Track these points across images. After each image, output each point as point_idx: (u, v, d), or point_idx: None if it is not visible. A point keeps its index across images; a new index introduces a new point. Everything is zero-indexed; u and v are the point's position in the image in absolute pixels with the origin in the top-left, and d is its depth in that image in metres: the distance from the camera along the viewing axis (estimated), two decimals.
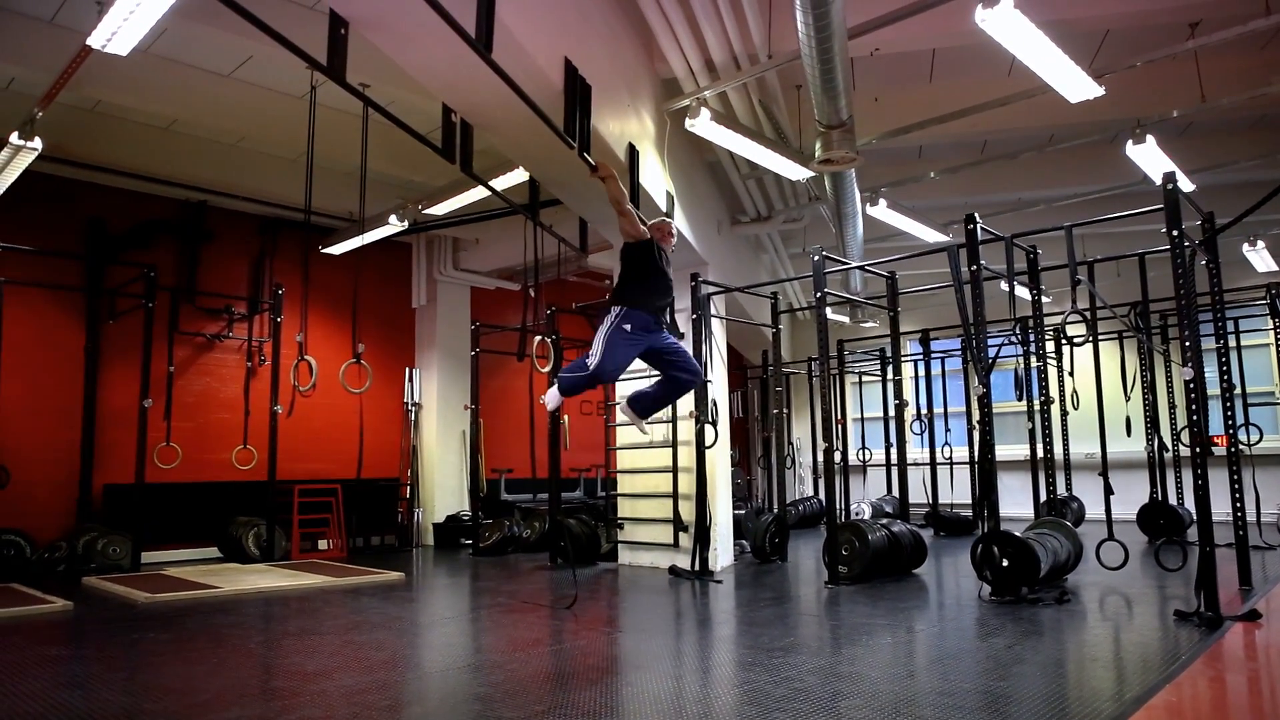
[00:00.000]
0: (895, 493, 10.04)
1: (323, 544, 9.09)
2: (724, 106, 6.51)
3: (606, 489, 9.20)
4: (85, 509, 8.15)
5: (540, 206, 5.94)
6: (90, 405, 8.32)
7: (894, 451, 10.14)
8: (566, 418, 8.27)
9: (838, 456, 6.74)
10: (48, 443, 8.04)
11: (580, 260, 8.41)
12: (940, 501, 10.63)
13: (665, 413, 7.53)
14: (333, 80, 3.43)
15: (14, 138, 6.40)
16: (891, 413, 9.75)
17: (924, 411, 11.04)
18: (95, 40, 5.01)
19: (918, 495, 10.17)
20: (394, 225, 7.76)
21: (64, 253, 8.21)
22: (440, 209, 7.67)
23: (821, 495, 12.76)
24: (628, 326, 4.39)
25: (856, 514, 10.93)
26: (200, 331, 9.15)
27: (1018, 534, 5.50)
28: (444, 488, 10.55)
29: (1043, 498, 7.26)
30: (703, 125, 5.55)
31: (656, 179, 6.04)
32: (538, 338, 6.88)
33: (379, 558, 8.80)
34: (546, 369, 6.88)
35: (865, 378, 13.01)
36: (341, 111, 7.32)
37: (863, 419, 12.96)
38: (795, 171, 6.53)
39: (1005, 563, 5.31)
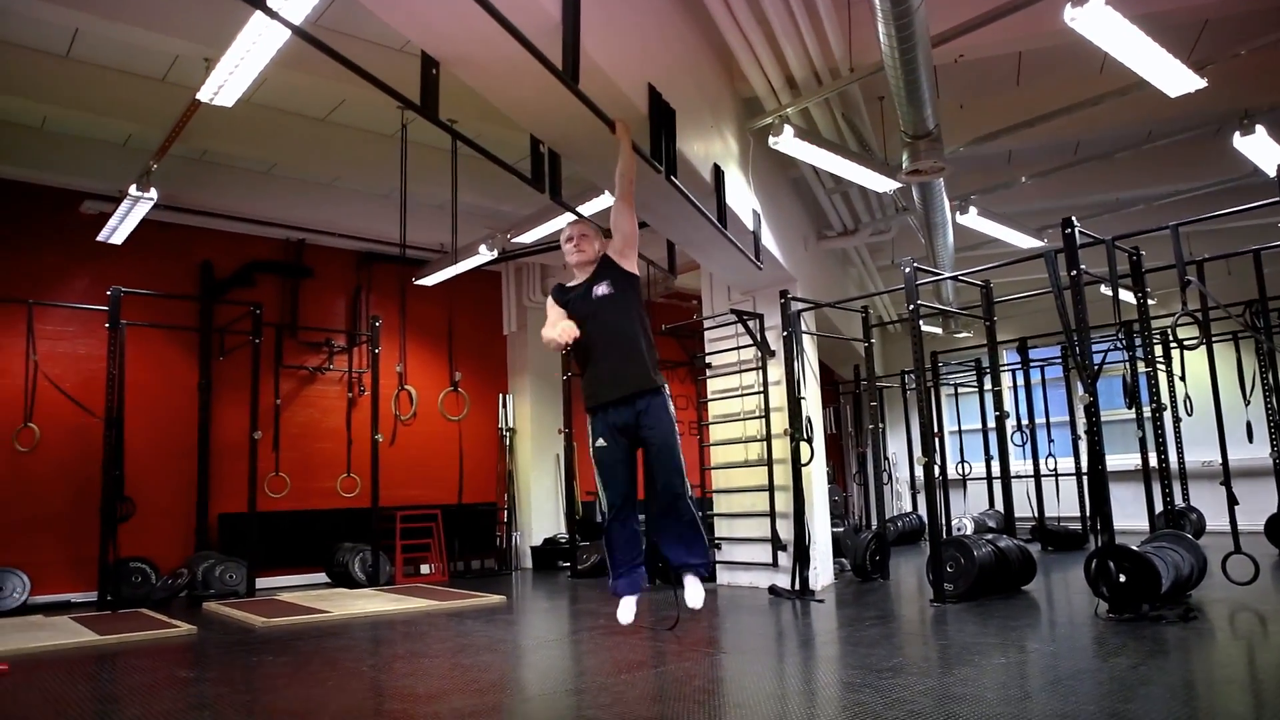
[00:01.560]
0: (998, 507, 9.72)
1: (425, 568, 9.30)
2: (806, 122, 6.48)
3: (701, 508, 9.18)
4: (203, 537, 8.55)
5: None
6: (205, 438, 8.73)
7: (995, 464, 9.84)
8: None
9: (937, 471, 6.58)
10: (168, 474, 8.46)
11: (668, 281, 8.46)
12: (1046, 515, 10.26)
13: (760, 429, 7.49)
14: (425, 118, 3.54)
15: (132, 189, 6.82)
16: (991, 424, 9.47)
17: (1024, 422, 10.68)
18: (204, 94, 5.31)
19: (1022, 509, 9.82)
20: (484, 255, 7.94)
21: (178, 295, 8.65)
22: (528, 237, 7.82)
23: (921, 511, 12.47)
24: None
25: (958, 529, 10.63)
26: (303, 365, 9.51)
27: (1134, 548, 5.27)
28: (540, 511, 10.68)
29: (1158, 509, 6.94)
30: (786, 142, 5.54)
31: (742, 198, 6.05)
32: None
33: (480, 581, 8.96)
34: None
35: (961, 389, 12.67)
36: (431, 147, 7.56)
37: (960, 431, 12.62)
38: (882, 184, 6.45)
39: (1122, 578, 5.09)
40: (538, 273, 10.97)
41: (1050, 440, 10.88)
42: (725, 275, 7.66)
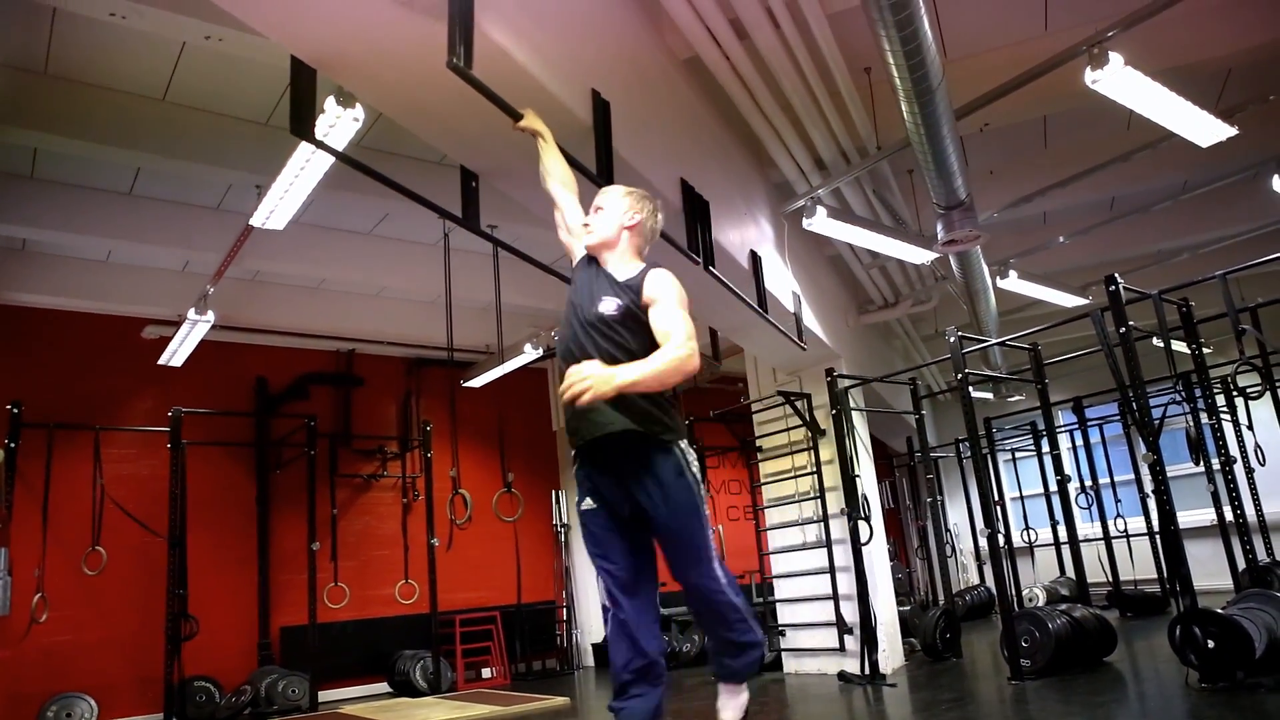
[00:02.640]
0: (1069, 573, 9.39)
1: (486, 672, 9.18)
2: (838, 201, 6.57)
3: (763, 594, 8.99)
4: (265, 651, 8.55)
5: None
6: (264, 551, 8.82)
7: (1061, 529, 9.55)
8: (721, 526, 8.20)
9: (1001, 540, 6.40)
10: (230, 589, 8.53)
11: (713, 367, 8.49)
12: (1122, 579, 9.87)
13: (815, 510, 7.38)
14: (467, 229, 3.68)
15: (191, 313, 7.09)
16: (1053, 488, 9.23)
17: (1088, 483, 10.38)
18: (256, 220, 5.56)
19: (1095, 574, 9.47)
20: (530, 354, 8.07)
21: (236, 412, 8.87)
22: None
23: (989, 583, 12.08)
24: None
25: (1030, 600, 10.27)
26: (357, 473, 9.62)
27: (1220, 610, 5.04)
28: (599, 607, 10.52)
29: (1240, 566, 6.65)
30: (819, 223, 5.61)
31: (781, 280, 6.11)
32: None
33: (542, 682, 8.81)
34: None
35: (1019, 453, 12.40)
36: (473, 252, 7.77)
37: (1021, 497, 12.29)
38: (918, 256, 6.48)
39: (1210, 644, 4.86)
40: None
41: (1117, 500, 10.54)
42: (769, 357, 7.67)
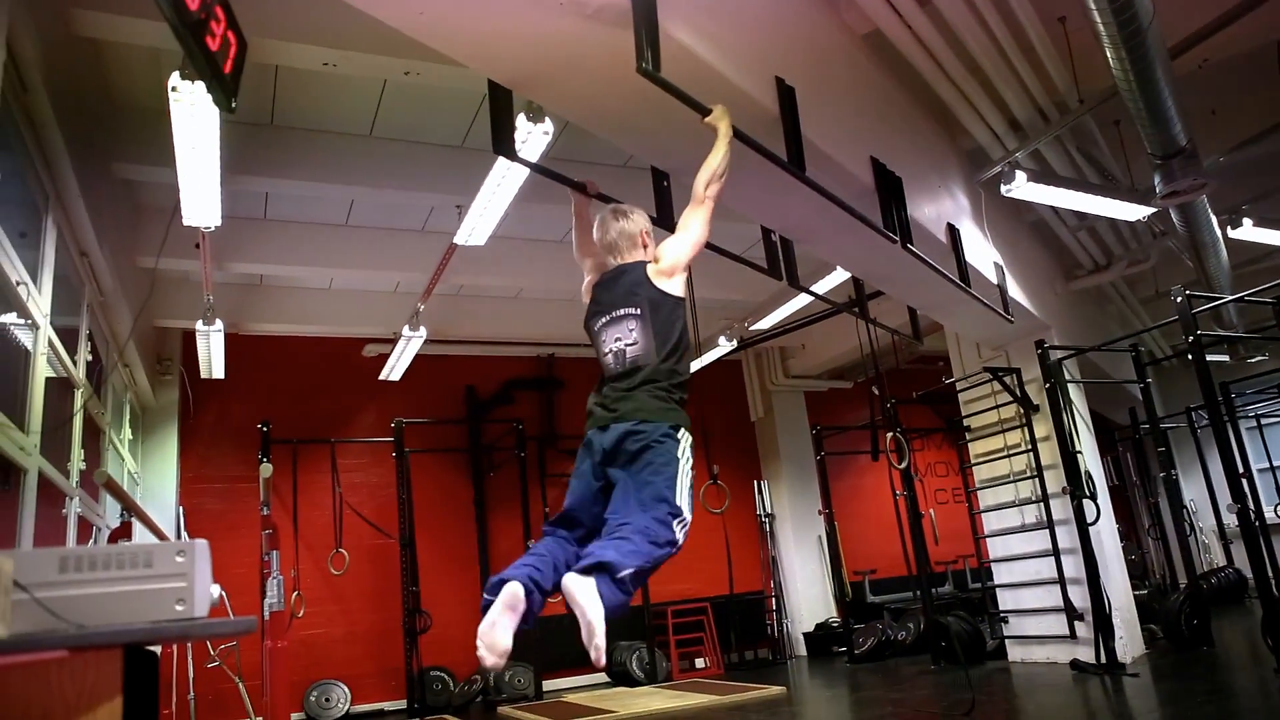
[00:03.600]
0: None
1: (700, 662, 9.32)
2: (1038, 163, 6.18)
3: (979, 580, 8.62)
4: None
5: (867, 299, 5.94)
6: (483, 550, 9.35)
7: None
8: (933, 510, 7.95)
9: (1253, 516, 5.80)
10: (456, 587, 9.10)
11: (914, 348, 8.22)
12: None
13: (1034, 490, 7.00)
14: (662, 229, 3.74)
15: (405, 330, 7.62)
16: None
17: None
18: (459, 238, 5.91)
19: None
20: (724, 345, 8.11)
21: (450, 420, 9.45)
22: (765, 322, 7.91)
23: (1238, 564, 11.01)
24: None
25: None
26: (563, 473, 9.94)
27: None
28: (808, 595, 10.44)
29: None
30: (1020, 188, 5.30)
31: (982, 252, 5.83)
32: (889, 433, 6.77)
33: (755, 672, 8.84)
34: (901, 464, 6.70)
35: (1265, 420, 11.21)
36: None
37: (1272, 467, 11.09)
38: (1133, 212, 5.99)
39: None
40: (777, 355, 11.02)
41: None
42: (973, 333, 7.34)
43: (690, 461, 2.63)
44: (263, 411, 8.31)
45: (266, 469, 3.78)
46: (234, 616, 1.55)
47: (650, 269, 2.79)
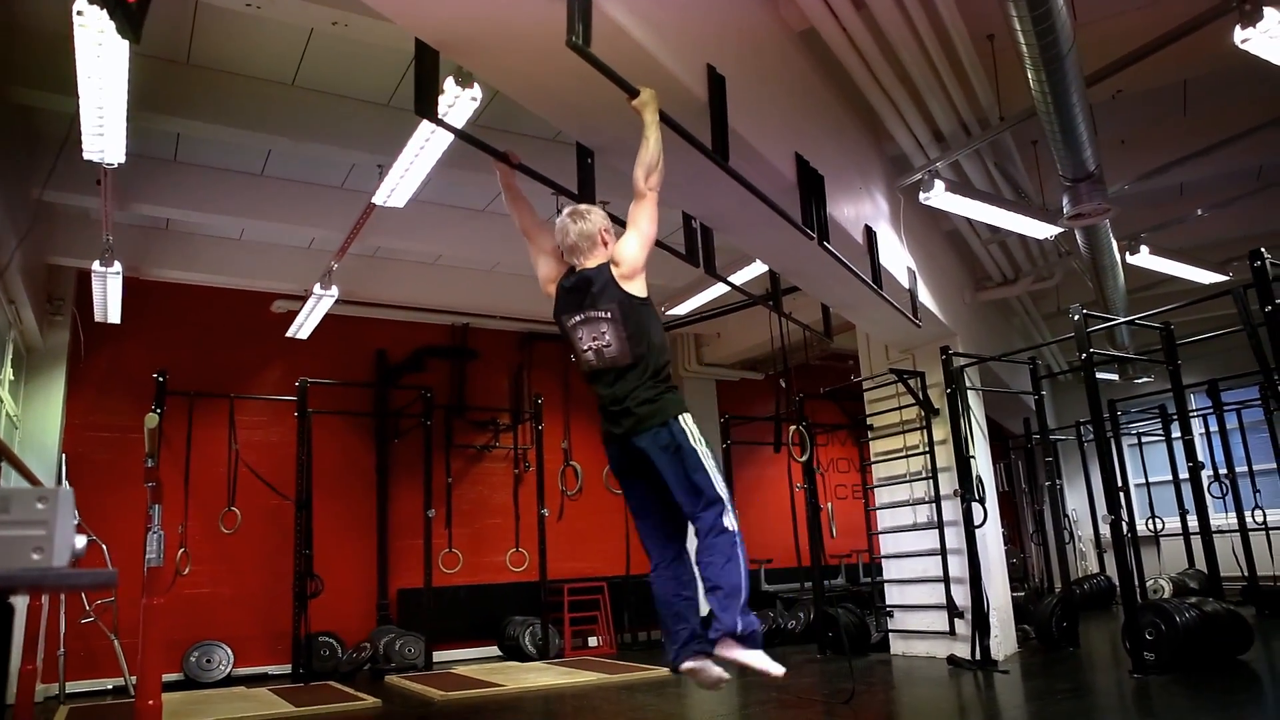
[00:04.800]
0: (1200, 566, 8.95)
1: (593, 640, 9.39)
2: (957, 174, 6.35)
3: (870, 574, 8.88)
4: (383, 611, 8.97)
5: (783, 294, 6.02)
6: (383, 517, 9.22)
7: (1192, 518, 9.08)
8: (831, 504, 8.15)
9: (1125, 527, 6.14)
10: (351, 552, 8.95)
11: (825, 345, 8.38)
12: (1259, 574, 9.32)
13: (927, 491, 7.24)
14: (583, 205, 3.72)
15: (316, 288, 7.43)
16: (1183, 475, 8.78)
17: (1223, 471, 9.81)
18: (378, 198, 5.77)
19: (1228, 567, 8.98)
20: None
21: (357, 383, 9.27)
22: (682, 309, 7.96)
23: (1109, 571, 11.62)
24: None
25: (1154, 592, 9.83)
26: (471, 444, 9.92)
27: None
28: None
29: None
30: (938, 197, 5.44)
31: (896, 256, 5.97)
32: (793, 426, 6.91)
33: (647, 653, 8.94)
34: (803, 457, 6.85)
35: (1146, 438, 11.82)
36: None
37: (1148, 483, 11.73)
38: (1042, 230, 6.21)
39: None
40: (692, 342, 11.11)
41: (1256, 490, 9.93)
42: (883, 334, 7.53)
43: (703, 441, 2.88)
44: (159, 360, 7.99)
45: (152, 419, 3.64)
46: (111, 569, 1.49)
47: (615, 272, 2.92)
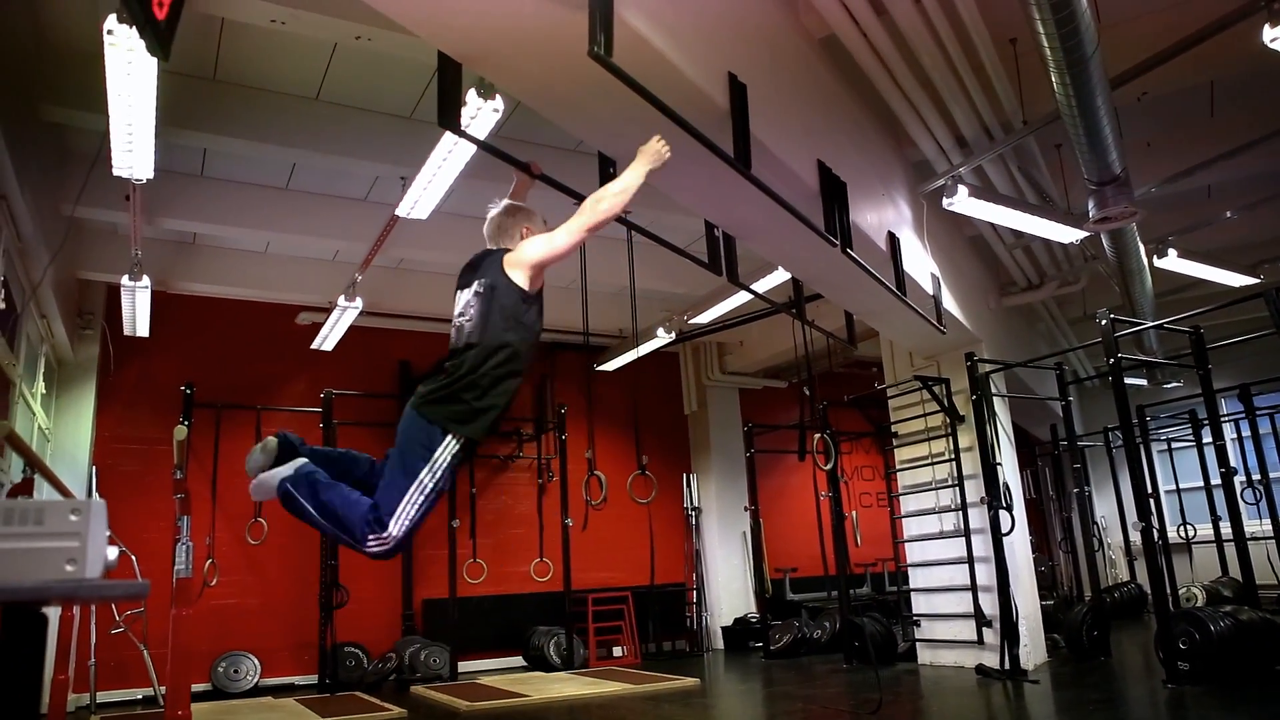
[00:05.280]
0: (1234, 573, 8.80)
1: (617, 650, 9.36)
2: (980, 179, 6.32)
3: (896, 583, 8.81)
4: (408, 622, 8.99)
5: (806, 301, 6.01)
6: None
7: (1225, 525, 8.94)
8: (855, 512, 8.10)
9: (1156, 535, 6.05)
10: (376, 564, 8.94)
11: (848, 352, 8.35)
12: None
13: (953, 498, 7.18)
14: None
15: (340, 300, 7.48)
16: (1215, 480, 8.64)
17: (1255, 477, 9.65)
18: (402, 210, 5.82)
19: (1263, 575, 8.83)
20: (663, 338, 8.13)
21: (381, 394, 9.32)
22: (704, 317, 7.96)
23: (1140, 580, 11.46)
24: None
25: (1187, 600, 9.67)
26: (494, 454, 9.95)
27: None
28: (729, 590, 10.57)
29: None
30: (961, 202, 5.41)
31: (920, 262, 5.94)
32: (817, 434, 6.87)
33: (671, 663, 8.91)
34: (827, 465, 6.81)
35: (1176, 444, 11.66)
36: (608, 237, 7.85)
37: (1178, 490, 11.57)
38: (1067, 235, 6.15)
39: None
40: (715, 350, 11.10)
41: None
42: (906, 341, 7.48)
43: (435, 469, 2.80)
44: (187, 373, 8.08)
45: (181, 431, 3.68)
46: (143, 580, 1.50)
47: (506, 256, 3.02)
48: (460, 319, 2.99)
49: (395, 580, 9.08)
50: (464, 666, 8.58)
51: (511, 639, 9.28)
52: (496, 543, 9.61)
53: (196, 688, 7.53)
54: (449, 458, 2.78)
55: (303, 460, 2.86)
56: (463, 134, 3.40)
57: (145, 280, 6.57)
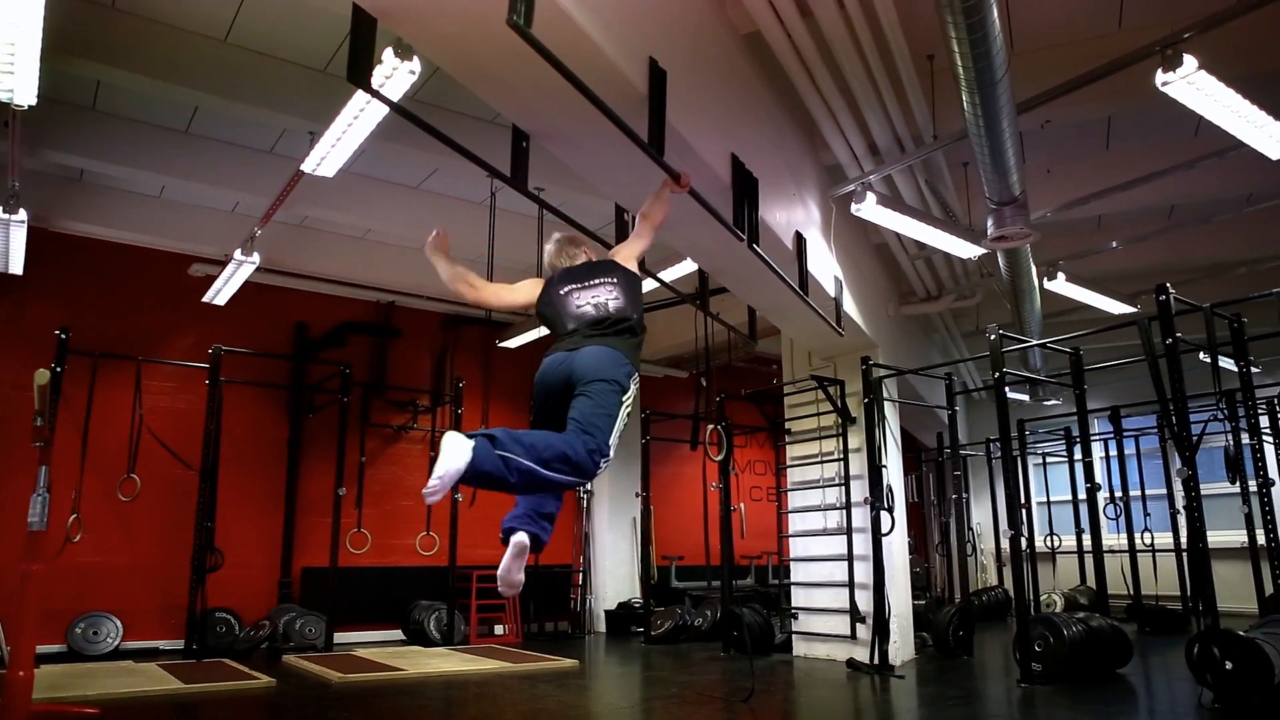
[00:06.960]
0: (1090, 583, 9.31)
1: (499, 629, 9.32)
2: (889, 189, 6.48)
3: (779, 576, 9.00)
4: (285, 589, 8.75)
5: (710, 295, 6.06)
6: (292, 493, 8.99)
7: (1086, 537, 9.45)
8: (744, 505, 8.24)
9: (1024, 543, 6.35)
10: (255, 527, 8.71)
11: (749, 346, 8.47)
12: (1143, 593, 9.76)
13: (839, 497, 7.37)
14: (515, 189, 3.68)
15: (237, 254, 7.19)
16: (1082, 496, 9.12)
17: (1118, 494, 10.24)
18: (308, 165, 5.60)
19: (1117, 586, 9.38)
20: None
21: (274, 354, 9.00)
22: None
23: (1007, 584, 12.01)
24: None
25: (1047, 606, 10.19)
26: (388, 424, 9.75)
27: (1242, 633, 4.97)
28: (615, 574, 10.64)
29: (1268, 591, 6.55)
30: (868, 209, 5.54)
31: (824, 264, 6.05)
32: (710, 425, 6.95)
33: (553, 644, 8.92)
34: (719, 456, 6.90)
35: (1050, 458, 12.25)
36: (518, 214, 7.78)
37: (1049, 502, 12.18)
38: (966, 250, 6.37)
39: (1229, 666, 4.80)
40: None
41: (1146, 514, 10.41)
42: (806, 341, 7.63)
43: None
44: (63, 317, 7.63)
45: (42, 374, 3.46)
46: None
47: (620, 257, 3.71)
48: (590, 303, 3.49)
49: (275, 546, 8.82)
50: (341, 638, 8.39)
51: (392, 612, 9.13)
52: (383, 514, 9.43)
53: (50, 649, 7.18)
54: (635, 388, 3.43)
55: (475, 435, 2.89)
56: (374, 93, 3.28)
57: (22, 214, 6.16)
